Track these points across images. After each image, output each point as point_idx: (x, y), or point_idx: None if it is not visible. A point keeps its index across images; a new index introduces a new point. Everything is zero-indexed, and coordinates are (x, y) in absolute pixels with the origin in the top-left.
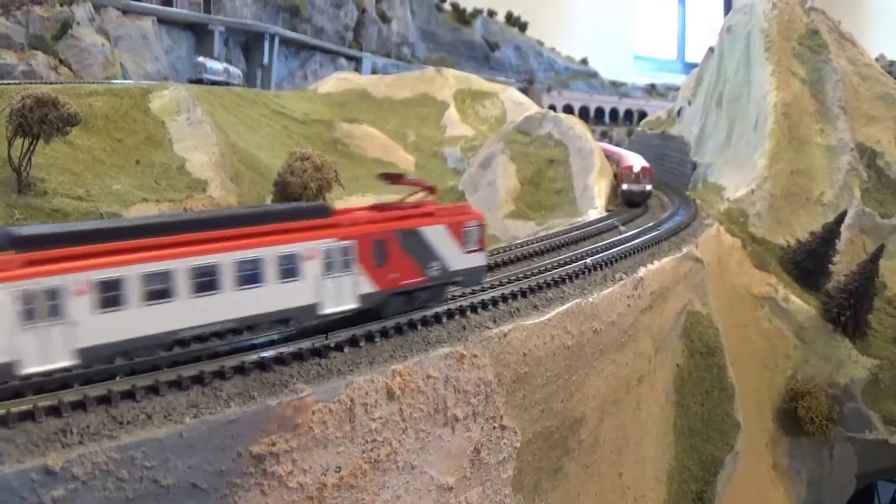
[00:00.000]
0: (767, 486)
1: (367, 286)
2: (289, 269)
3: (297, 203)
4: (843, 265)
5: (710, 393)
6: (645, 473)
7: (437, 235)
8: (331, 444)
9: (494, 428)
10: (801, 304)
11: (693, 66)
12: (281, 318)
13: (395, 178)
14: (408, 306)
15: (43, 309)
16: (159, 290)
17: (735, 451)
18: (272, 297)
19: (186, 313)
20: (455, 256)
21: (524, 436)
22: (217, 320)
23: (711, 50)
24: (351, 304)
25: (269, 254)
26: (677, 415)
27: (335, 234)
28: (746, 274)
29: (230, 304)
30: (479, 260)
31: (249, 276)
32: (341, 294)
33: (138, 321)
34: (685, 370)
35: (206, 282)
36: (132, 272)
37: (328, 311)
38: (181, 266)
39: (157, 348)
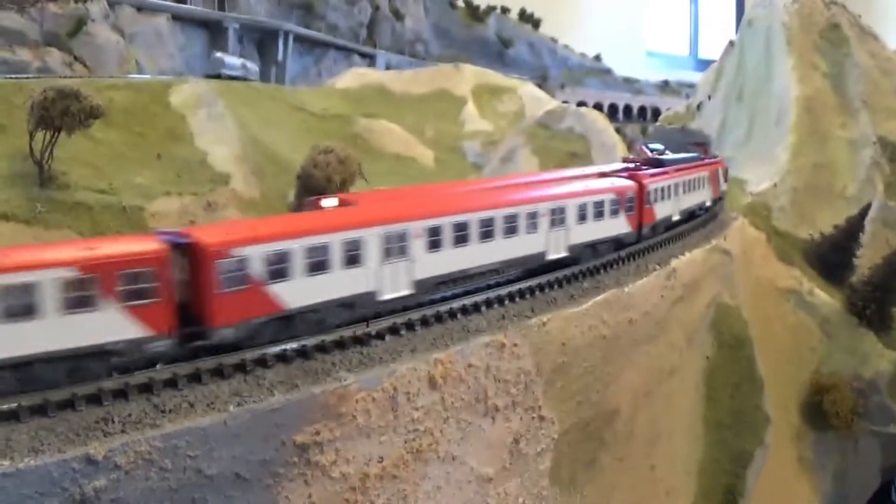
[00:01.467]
0: (793, 480)
1: (712, 194)
2: (701, 185)
3: (691, 154)
4: (866, 259)
5: (740, 386)
6: (676, 466)
7: (721, 173)
8: (373, 434)
9: (533, 418)
10: (825, 298)
11: (705, 62)
12: (696, 211)
13: (702, 146)
14: (714, 205)
15: (661, 196)
16: (686, 190)
17: (765, 445)
18: (696, 198)
19: (679, 204)
20: (721, 184)
21: (562, 427)
22: (686, 208)
23: (731, 44)
24: (709, 203)
25: (697, 176)
26: (707, 407)
27: (707, 169)
28: (771, 267)
29: (687, 201)
30: (725, 187)
31: (693, 187)
32: (705, 198)
33: (674, 206)
34: (714, 363)
35: (689, 188)
36: (680, 181)
37: (706, 205)
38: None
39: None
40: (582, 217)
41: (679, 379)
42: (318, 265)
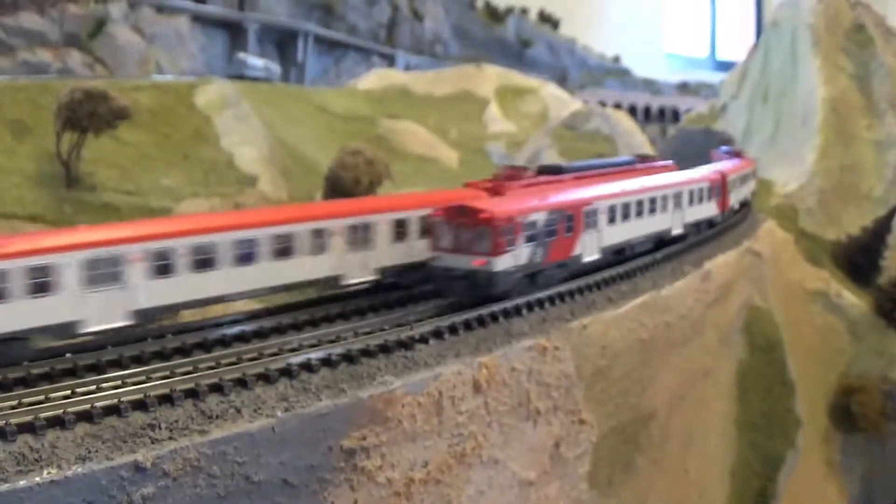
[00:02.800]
0: (822, 482)
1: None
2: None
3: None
4: (893, 260)
5: (771, 388)
6: (709, 469)
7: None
8: (419, 439)
9: (573, 422)
10: (853, 300)
11: (723, 63)
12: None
13: (734, 152)
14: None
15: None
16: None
17: (796, 447)
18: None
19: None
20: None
21: (600, 430)
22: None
23: (757, 45)
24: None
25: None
26: (739, 410)
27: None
28: (799, 269)
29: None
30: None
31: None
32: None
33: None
34: (746, 365)
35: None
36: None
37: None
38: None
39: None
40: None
41: (713, 381)
42: None
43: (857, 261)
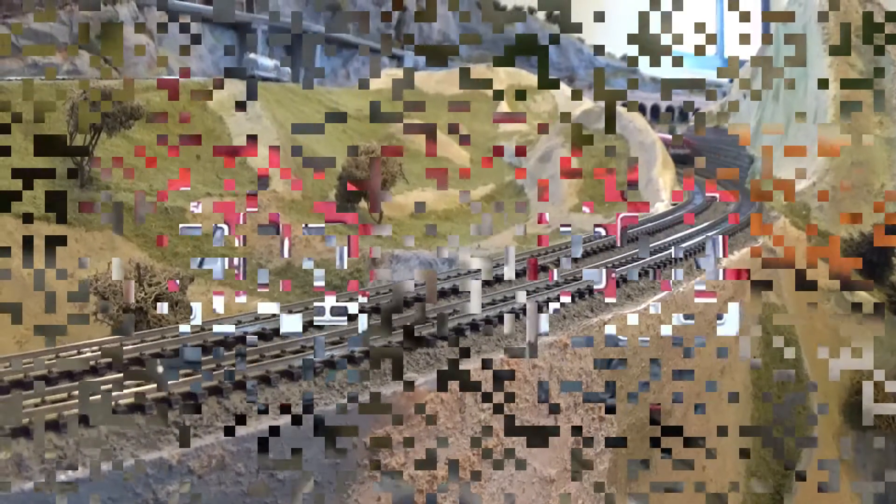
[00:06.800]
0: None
1: None
2: None
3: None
4: None
5: (787, 385)
6: (726, 466)
7: None
8: (442, 435)
9: (594, 419)
10: (866, 297)
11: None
12: None
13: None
14: None
15: None
16: None
17: (812, 444)
18: None
19: None
20: None
21: (619, 427)
22: None
23: (767, 42)
24: None
25: None
26: (755, 407)
27: None
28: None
29: None
30: None
31: None
32: None
33: None
34: (762, 361)
35: None
36: None
37: None
38: None
39: None
40: None
41: (729, 378)
42: None
43: (870, 258)
